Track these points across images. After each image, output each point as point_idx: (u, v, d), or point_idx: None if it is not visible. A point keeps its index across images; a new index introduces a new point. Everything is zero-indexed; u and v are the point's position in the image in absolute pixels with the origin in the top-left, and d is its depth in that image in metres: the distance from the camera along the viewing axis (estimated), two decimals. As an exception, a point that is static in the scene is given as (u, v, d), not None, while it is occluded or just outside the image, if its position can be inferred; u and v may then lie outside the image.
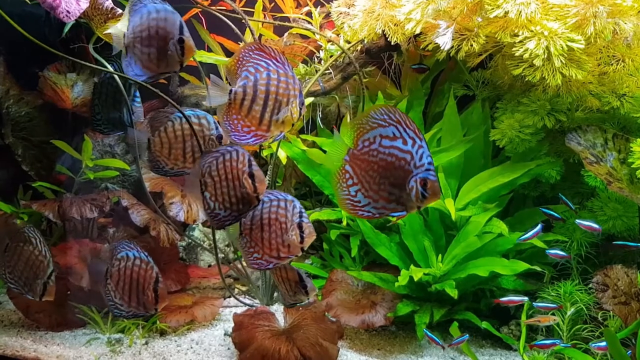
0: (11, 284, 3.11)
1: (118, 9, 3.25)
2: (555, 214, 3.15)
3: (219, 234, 4.20)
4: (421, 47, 3.12)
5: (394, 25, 3.13)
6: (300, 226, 2.61)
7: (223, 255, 4.22)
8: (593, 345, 2.85)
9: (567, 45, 2.83)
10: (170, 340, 3.47)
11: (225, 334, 3.57)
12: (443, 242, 3.55)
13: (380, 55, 3.60)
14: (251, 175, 2.60)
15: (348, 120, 3.69)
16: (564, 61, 2.84)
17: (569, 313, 3.19)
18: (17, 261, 3.08)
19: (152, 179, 3.69)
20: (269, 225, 2.66)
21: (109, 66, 3.33)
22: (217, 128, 2.97)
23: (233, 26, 3.64)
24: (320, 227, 3.96)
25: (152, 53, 2.65)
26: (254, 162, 2.62)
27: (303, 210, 2.64)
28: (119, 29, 2.67)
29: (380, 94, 3.67)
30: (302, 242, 2.62)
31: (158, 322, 3.46)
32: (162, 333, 3.50)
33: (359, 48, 3.58)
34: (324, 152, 3.71)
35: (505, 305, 3.17)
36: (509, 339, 3.19)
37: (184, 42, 2.61)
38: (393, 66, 3.64)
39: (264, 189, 2.63)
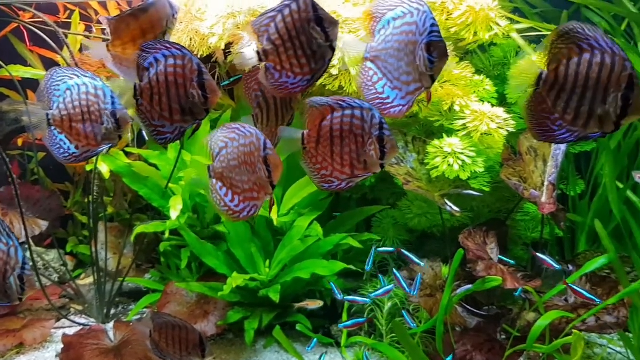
0: None
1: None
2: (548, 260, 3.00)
3: (53, 254, 4.09)
4: (227, 60, 3.19)
5: (201, 39, 3.17)
6: (380, 139, 2.23)
7: (59, 275, 4.10)
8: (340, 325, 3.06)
9: (361, 55, 2.98)
10: (-4, 366, 3.34)
11: (56, 356, 3.47)
12: (272, 248, 3.63)
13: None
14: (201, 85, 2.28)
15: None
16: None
17: (386, 308, 3.36)
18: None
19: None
20: (340, 138, 2.29)
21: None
22: (113, 103, 2.47)
23: (49, 40, 3.57)
24: (157, 239, 3.95)
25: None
26: (204, 69, 2.30)
27: (384, 121, 2.25)
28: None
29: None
30: (382, 158, 2.25)
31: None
32: (-13, 360, 3.37)
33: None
34: (152, 165, 3.70)
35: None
36: (323, 338, 3.31)
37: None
38: (218, 77, 3.68)
39: (215, 100, 2.33)
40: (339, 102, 2.29)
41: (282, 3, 2.26)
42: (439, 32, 2.21)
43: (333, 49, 2.26)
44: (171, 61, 2.29)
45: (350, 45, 2.62)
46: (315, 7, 2.22)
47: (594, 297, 2.83)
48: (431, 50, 2.20)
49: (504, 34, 3.35)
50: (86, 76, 2.48)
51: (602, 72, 1.98)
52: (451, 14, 3.26)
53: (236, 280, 3.25)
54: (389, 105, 2.39)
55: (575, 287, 2.85)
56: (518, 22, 3.56)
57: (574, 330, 2.75)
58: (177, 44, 2.33)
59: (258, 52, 2.28)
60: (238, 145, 2.38)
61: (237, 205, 2.44)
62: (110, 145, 2.54)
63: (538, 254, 2.94)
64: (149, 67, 2.33)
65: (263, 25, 2.27)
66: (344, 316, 3.33)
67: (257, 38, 2.28)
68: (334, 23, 2.24)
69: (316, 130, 2.34)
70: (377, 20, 2.34)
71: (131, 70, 2.45)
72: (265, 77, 2.32)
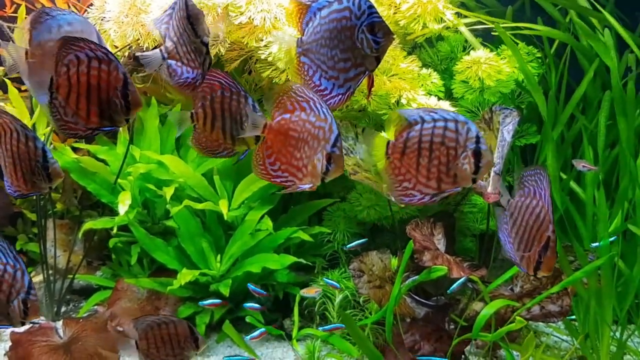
0: None
1: None
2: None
3: None
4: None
5: (146, 32, 3.15)
6: (477, 153, 2.13)
7: (7, 273, 4.01)
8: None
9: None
10: (-61, 367, 3.27)
11: (5, 354, 3.41)
12: (223, 242, 3.62)
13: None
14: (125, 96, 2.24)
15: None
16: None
17: (337, 300, 3.38)
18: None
19: None
20: (429, 150, 2.17)
21: None
22: (45, 156, 2.49)
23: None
24: (108, 236, 3.89)
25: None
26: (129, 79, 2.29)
27: (481, 135, 2.15)
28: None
29: (154, 99, 3.70)
30: (476, 172, 2.15)
31: None
32: None
33: (126, 54, 3.55)
34: (100, 160, 3.65)
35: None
36: (273, 330, 3.31)
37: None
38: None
39: (136, 113, 2.29)
40: (430, 113, 2.20)
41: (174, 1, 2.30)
42: (377, 12, 2.25)
43: (204, 44, 2.26)
44: (95, 64, 2.25)
45: (284, 40, 2.63)
46: (186, 2, 2.24)
47: None
48: (375, 30, 2.23)
49: (450, 27, 3.40)
50: (17, 125, 2.46)
51: None
52: (399, 8, 3.30)
53: (185, 276, 3.24)
54: (328, 97, 2.42)
55: None
56: (466, 17, 3.61)
57: (517, 317, 2.81)
58: (104, 47, 2.29)
59: (160, 50, 2.30)
60: (307, 119, 2.34)
61: (275, 170, 2.45)
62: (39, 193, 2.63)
63: None
64: (69, 64, 2.26)
65: (164, 23, 2.31)
66: (295, 310, 3.33)
67: (160, 37, 2.34)
68: (199, 17, 2.25)
69: (403, 140, 2.22)
70: (305, 11, 2.35)
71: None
72: (169, 75, 2.34)
